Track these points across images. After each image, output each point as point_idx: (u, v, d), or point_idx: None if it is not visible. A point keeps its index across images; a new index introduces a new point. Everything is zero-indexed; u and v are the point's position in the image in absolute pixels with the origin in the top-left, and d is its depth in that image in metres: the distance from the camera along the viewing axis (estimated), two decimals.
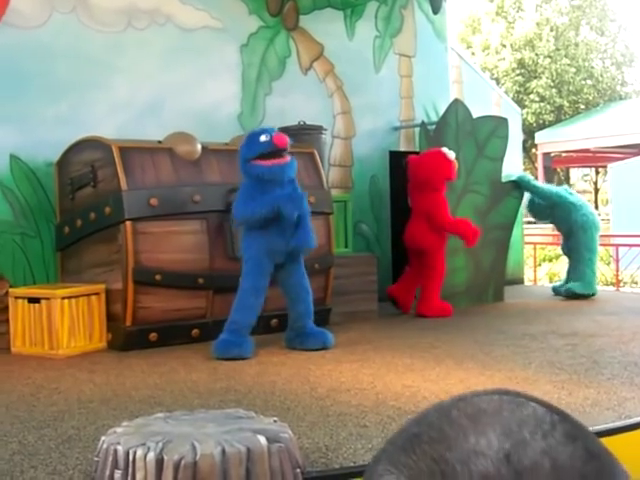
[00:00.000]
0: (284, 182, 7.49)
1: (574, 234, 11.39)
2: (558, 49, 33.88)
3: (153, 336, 7.74)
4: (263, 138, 7.41)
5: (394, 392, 5.75)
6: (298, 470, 3.82)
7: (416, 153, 10.54)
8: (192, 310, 8.05)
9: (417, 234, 9.76)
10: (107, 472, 3.69)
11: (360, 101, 11.42)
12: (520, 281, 13.77)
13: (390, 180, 11.61)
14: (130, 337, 7.74)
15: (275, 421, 4.10)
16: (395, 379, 6.21)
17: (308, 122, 9.93)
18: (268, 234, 7.40)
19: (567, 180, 39.17)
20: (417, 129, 11.53)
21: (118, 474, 3.63)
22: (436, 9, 12.55)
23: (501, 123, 11.24)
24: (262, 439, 3.69)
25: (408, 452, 0.69)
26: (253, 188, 7.41)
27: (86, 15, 9.11)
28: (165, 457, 3.53)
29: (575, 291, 11.16)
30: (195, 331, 8.06)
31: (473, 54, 33.20)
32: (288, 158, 7.55)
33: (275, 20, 10.73)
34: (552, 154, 29.95)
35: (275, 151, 7.41)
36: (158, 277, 7.76)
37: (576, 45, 34.35)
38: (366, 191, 11.36)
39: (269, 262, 7.48)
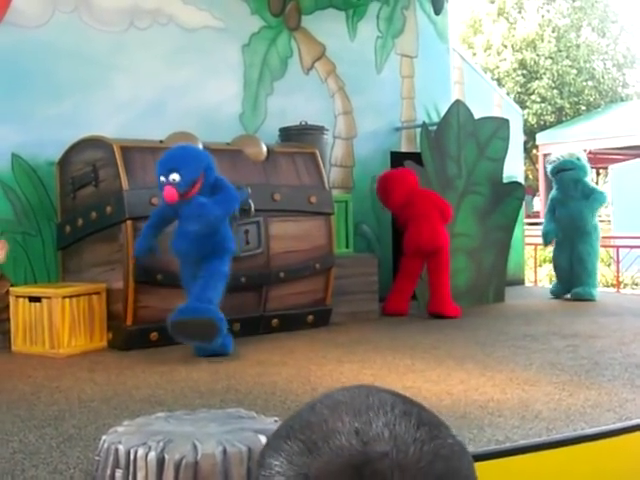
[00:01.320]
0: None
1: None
2: (559, 50, 33.86)
3: (154, 335, 7.74)
4: (161, 178, 7.10)
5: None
6: None
7: (417, 154, 10.55)
8: None
9: (434, 234, 9.68)
10: (108, 471, 3.69)
11: (362, 101, 11.41)
12: (521, 282, 13.76)
13: None
14: (131, 336, 7.74)
15: (276, 421, 4.10)
16: (396, 380, 6.22)
17: (309, 122, 9.92)
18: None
19: None
20: (418, 130, 11.53)
21: (119, 473, 3.63)
22: (438, 10, 12.54)
23: (502, 124, 11.24)
24: (263, 439, 3.69)
25: (285, 439, 0.94)
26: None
27: (88, 15, 9.11)
28: (166, 456, 3.53)
29: (585, 295, 11.15)
30: None
31: (474, 55, 33.20)
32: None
33: (277, 20, 10.73)
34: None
35: None
36: (159, 277, 7.77)
37: (577, 46, 34.34)
38: (367, 191, 11.36)
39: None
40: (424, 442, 0.95)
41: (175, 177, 6.94)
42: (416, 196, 9.84)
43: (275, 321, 8.56)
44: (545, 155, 28.83)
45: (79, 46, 8.98)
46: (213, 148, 8.46)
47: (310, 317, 8.86)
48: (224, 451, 3.57)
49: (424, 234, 9.70)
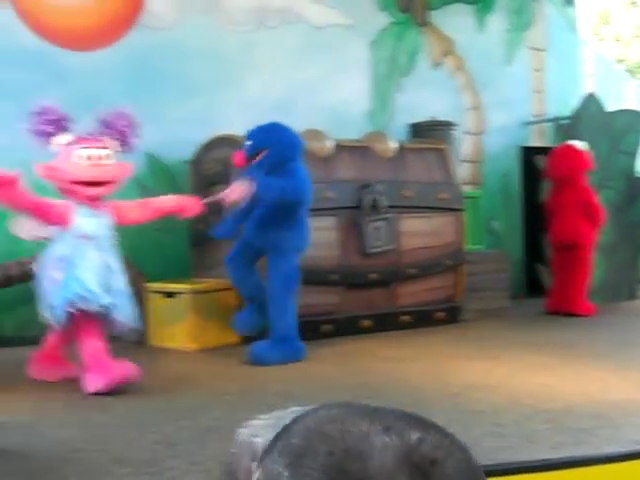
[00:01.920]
0: None
1: None
2: None
3: None
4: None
5: (529, 390, 5.66)
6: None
7: (548, 149, 10.34)
8: (322, 306, 8.06)
9: (572, 228, 9.45)
10: (244, 464, 3.73)
11: (491, 96, 11.26)
12: None
13: (522, 176, 11.42)
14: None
15: None
16: (529, 377, 6.10)
17: (438, 118, 9.85)
18: None
19: None
20: (549, 124, 11.31)
21: (255, 466, 3.67)
22: (568, 0, 12.28)
23: (637, 117, 10.93)
24: None
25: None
26: None
27: (218, 15, 9.27)
28: None
29: None
30: (325, 327, 8.08)
31: (606, 46, 32.41)
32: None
33: (405, 16, 10.70)
34: None
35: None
36: None
37: None
38: (497, 187, 11.21)
39: None
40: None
41: (248, 143, 7.16)
42: (570, 185, 9.50)
43: (405, 317, 8.52)
44: None
45: (210, 46, 9.14)
46: (343, 145, 8.49)
47: (440, 314, 8.80)
48: None
49: (560, 226, 9.48)
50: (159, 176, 8.75)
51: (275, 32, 9.61)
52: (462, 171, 10.72)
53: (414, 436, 0.96)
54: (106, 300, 5.95)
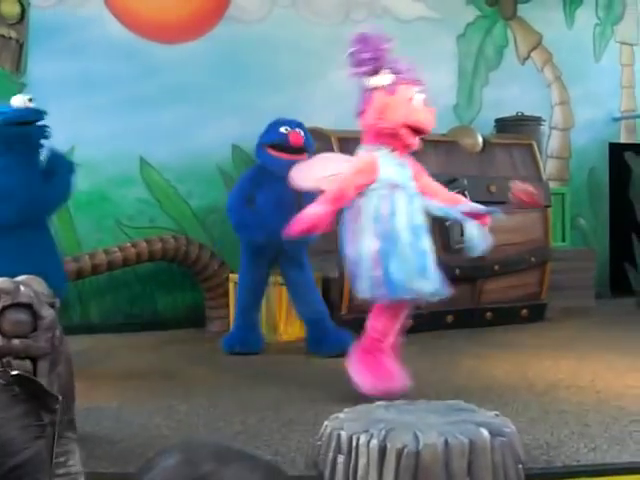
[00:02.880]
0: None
1: None
2: None
3: None
4: (282, 130, 7.17)
5: (616, 392, 5.55)
6: (520, 466, 3.75)
7: (638, 145, 10.14)
8: None
9: None
10: (330, 456, 3.74)
11: (579, 91, 11.07)
12: None
13: (610, 173, 11.21)
14: (346, 325, 7.81)
15: (497, 415, 4.04)
16: (616, 378, 5.99)
17: (526, 113, 9.73)
18: None
19: None
20: (639, 120, 11.09)
21: (341, 459, 3.68)
22: None
23: None
24: (485, 432, 3.64)
25: None
26: (250, 179, 7.30)
27: (305, 8, 9.30)
28: (388, 445, 3.54)
29: None
30: (409, 322, 8.03)
31: None
32: (305, 157, 6.91)
33: (492, 10, 10.58)
34: None
35: (287, 146, 7.09)
36: None
37: None
38: (584, 184, 11.03)
39: None
40: None
41: (301, 132, 7.18)
42: None
43: (489, 314, 8.44)
44: None
45: (297, 39, 9.17)
46: (428, 139, 8.41)
47: (524, 311, 8.69)
48: (445, 442, 3.54)
49: None
50: (244, 167, 8.79)
51: (361, 26, 9.58)
52: (549, 167, 10.59)
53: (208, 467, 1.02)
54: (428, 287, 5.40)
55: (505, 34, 10.67)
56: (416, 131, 5.55)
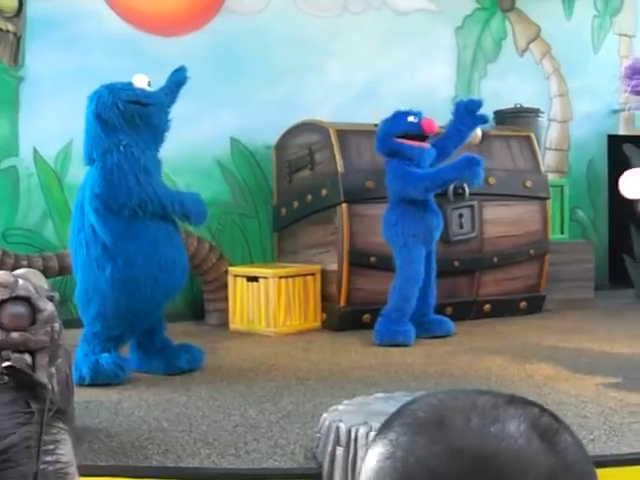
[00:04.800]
0: (424, 167, 7.38)
1: None
2: None
3: (366, 317, 7.78)
4: (411, 119, 7.35)
5: (614, 383, 5.56)
6: None
7: (637, 137, 10.13)
8: None
9: None
10: (329, 448, 3.74)
11: (578, 83, 11.06)
12: None
13: (609, 165, 11.21)
14: (344, 318, 7.84)
15: None
16: (615, 370, 5.99)
17: (524, 105, 9.72)
18: (425, 214, 7.34)
19: None
20: (638, 112, 11.07)
21: (340, 451, 3.68)
22: None
23: None
24: None
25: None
26: (406, 164, 7.31)
27: (303, 0, 9.27)
28: None
29: None
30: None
31: None
32: (429, 145, 7.46)
33: (491, 1, 10.57)
34: None
35: (420, 135, 7.34)
36: (373, 259, 7.82)
37: None
38: (583, 176, 11.03)
39: (424, 247, 7.37)
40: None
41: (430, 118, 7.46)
42: None
43: (487, 306, 8.45)
44: None
45: (294, 31, 9.16)
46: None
47: (523, 303, 8.70)
48: None
49: None
50: (243, 160, 8.81)
51: (359, 17, 9.58)
52: (548, 159, 10.58)
53: (535, 409, 0.97)
54: None
55: (503, 26, 10.65)
56: None
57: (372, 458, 0.94)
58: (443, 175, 7.24)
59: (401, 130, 7.34)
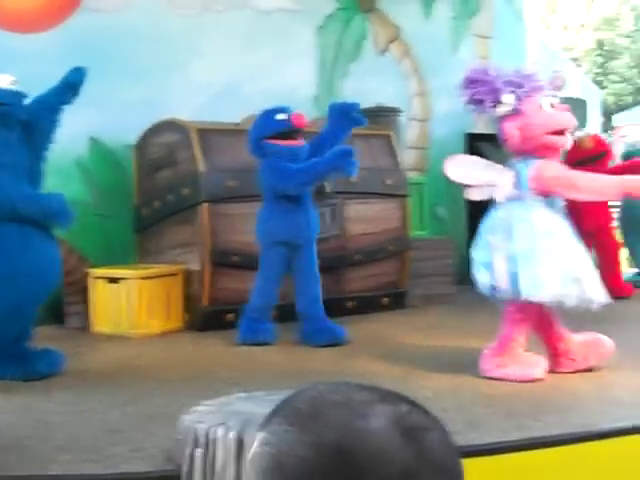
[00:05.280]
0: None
1: None
2: (638, 30, 33.22)
3: (230, 317, 7.75)
4: (280, 116, 7.12)
5: (471, 376, 5.73)
6: None
7: (493, 135, 10.39)
8: None
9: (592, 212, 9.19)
10: (187, 450, 3.72)
11: (437, 83, 11.27)
12: None
13: None
14: (207, 318, 7.81)
15: None
16: (472, 363, 6.14)
17: (385, 104, 9.86)
18: (299, 211, 7.21)
19: None
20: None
21: (199, 452, 3.66)
22: None
23: (579, 105, 11.05)
24: None
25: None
26: (279, 160, 7.12)
27: None
28: (245, 437, 3.55)
29: None
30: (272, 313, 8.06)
31: (553, 35, 32.68)
32: (302, 141, 7.25)
33: (351, 2, 10.68)
34: None
35: (292, 131, 7.12)
36: (235, 258, 7.81)
37: None
38: (442, 174, 11.20)
39: (295, 245, 7.24)
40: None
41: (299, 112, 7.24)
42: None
43: (350, 303, 8.54)
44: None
45: (155, 29, 9.05)
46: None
47: (385, 300, 8.83)
48: None
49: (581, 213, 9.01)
50: (103, 160, 8.66)
51: (221, 16, 9.54)
52: (407, 157, 10.77)
53: (405, 407, 1.02)
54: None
55: (364, 26, 10.78)
56: (559, 132, 5.71)
57: (254, 445, 0.99)
58: (318, 167, 7.09)
59: (271, 130, 7.12)
